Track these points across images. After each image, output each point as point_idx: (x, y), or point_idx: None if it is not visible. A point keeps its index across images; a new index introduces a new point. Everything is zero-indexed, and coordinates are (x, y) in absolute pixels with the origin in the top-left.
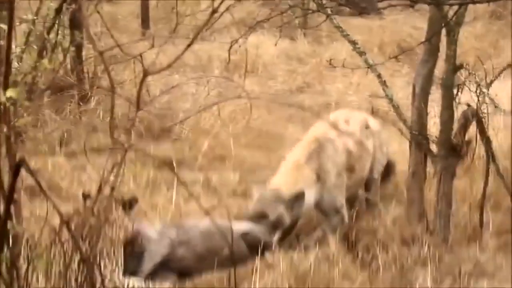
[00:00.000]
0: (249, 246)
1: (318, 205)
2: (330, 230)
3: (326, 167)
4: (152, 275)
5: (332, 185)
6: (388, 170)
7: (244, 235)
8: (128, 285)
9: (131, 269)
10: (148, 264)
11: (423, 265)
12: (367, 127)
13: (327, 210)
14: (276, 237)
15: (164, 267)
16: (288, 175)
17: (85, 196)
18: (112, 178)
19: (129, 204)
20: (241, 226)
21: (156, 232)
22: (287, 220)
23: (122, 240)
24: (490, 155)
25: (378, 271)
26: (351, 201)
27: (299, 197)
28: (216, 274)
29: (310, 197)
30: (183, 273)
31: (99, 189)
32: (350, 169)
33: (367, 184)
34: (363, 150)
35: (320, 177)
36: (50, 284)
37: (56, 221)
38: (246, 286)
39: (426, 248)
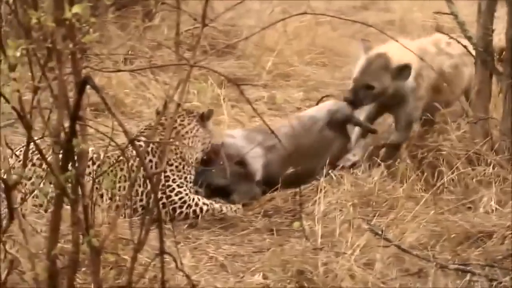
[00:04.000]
0: (338, 123)
1: (396, 110)
2: (398, 139)
3: (423, 73)
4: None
5: (417, 96)
6: None
7: (332, 113)
8: (193, 200)
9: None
10: (256, 164)
11: (487, 185)
12: (469, 54)
13: (401, 119)
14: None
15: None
16: (396, 48)
17: (159, 113)
18: (177, 95)
19: (206, 116)
20: (326, 106)
21: (244, 140)
22: (390, 90)
23: (205, 154)
24: None
25: (443, 191)
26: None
27: (406, 68)
28: (281, 193)
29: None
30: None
31: (165, 106)
32: (436, 89)
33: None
34: (456, 74)
35: (417, 80)
36: (115, 202)
37: (121, 138)
38: (310, 205)
39: (491, 168)
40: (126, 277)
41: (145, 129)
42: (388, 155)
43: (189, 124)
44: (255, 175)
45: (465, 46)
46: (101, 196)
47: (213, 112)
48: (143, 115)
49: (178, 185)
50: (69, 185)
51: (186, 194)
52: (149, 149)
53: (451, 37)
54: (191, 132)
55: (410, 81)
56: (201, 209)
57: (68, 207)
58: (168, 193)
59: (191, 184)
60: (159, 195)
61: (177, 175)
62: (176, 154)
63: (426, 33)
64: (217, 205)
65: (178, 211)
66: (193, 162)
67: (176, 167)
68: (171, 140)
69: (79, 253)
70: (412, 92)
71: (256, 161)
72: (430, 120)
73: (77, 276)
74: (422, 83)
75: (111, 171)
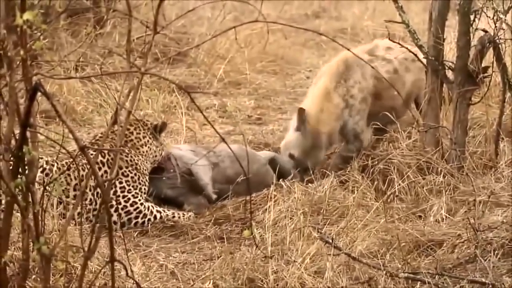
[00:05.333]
0: (275, 172)
1: (344, 129)
2: (347, 154)
3: (352, 92)
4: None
5: (356, 110)
6: None
7: (271, 160)
8: (149, 208)
9: (165, 192)
10: (205, 177)
11: (438, 194)
12: (413, 60)
13: (348, 134)
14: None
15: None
16: (318, 103)
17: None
18: (128, 102)
19: (159, 128)
20: (267, 154)
21: (191, 152)
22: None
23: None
24: (507, 82)
25: (394, 200)
26: (378, 128)
27: (331, 137)
28: (231, 201)
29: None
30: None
31: (116, 113)
32: (376, 95)
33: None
34: (396, 80)
35: (347, 103)
36: (65, 209)
37: (72, 145)
38: (261, 213)
39: (441, 177)
40: (76, 284)
41: (99, 137)
42: (336, 166)
43: (144, 137)
44: (204, 187)
45: (414, 54)
46: (51, 203)
47: (166, 125)
48: (94, 122)
49: (133, 195)
50: (20, 192)
51: (141, 204)
52: (105, 160)
53: (398, 44)
54: (146, 145)
55: (341, 105)
56: (155, 216)
57: (19, 214)
58: (123, 204)
59: (145, 195)
60: (114, 204)
61: (133, 186)
62: (132, 165)
63: None
64: (169, 212)
65: (134, 221)
66: (146, 174)
67: (132, 177)
68: (123, 148)
69: (29, 260)
70: (348, 115)
71: (205, 173)
72: (381, 129)
73: (27, 283)
74: (353, 101)
75: (61, 179)
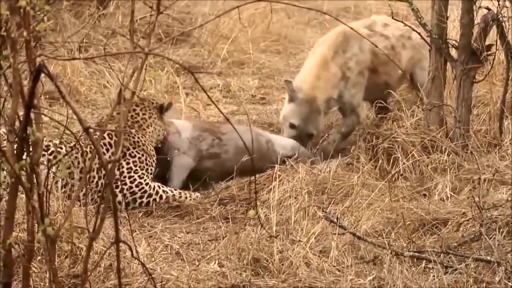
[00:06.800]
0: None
1: (340, 101)
2: (346, 129)
3: (350, 64)
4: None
5: (352, 83)
6: None
7: (294, 149)
8: (154, 188)
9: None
10: (176, 180)
11: (442, 172)
12: (409, 38)
13: (344, 107)
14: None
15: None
16: (315, 71)
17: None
18: (132, 83)
19: (165, 109)
20: (290, 143)
21: (186, 143)
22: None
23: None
24: (510, 60)
25: (398, 179)
26: (374, 102)
27: (329, 102)
28: (236, 181)
29: (335, 101)
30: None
31: (119, 94)
32: (373, 70)
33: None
34: (393, 56)
35: (344, 75)
36: (71, 191)
37: (76, 126)
38: (265, 193)
39: (445, 155)
40: (82, 265)
41: (104, 119)
42: (335, 143)
43: (149, 117)
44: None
45: (417, 32)
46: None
47: (172, 105)
48: (98, 103)
49: (139, 176)
50: (24, 173)
51: (147, 184)
52: (113, 141)
53: (398, 21)
54: (151, 125)
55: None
56: (161, 196)
57: (23, 195)
58: (129, 184)
59: (151, 176)
60: (120, 185)
61: (139, 166)
62: (139, 146)
63: None
64: (176, 192)
65: (138, 201)
66: (154, 155)
67: (139, 158)
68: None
69: (35, 242)
70: (344, 87)
71: (178, 175)
72: (385, 107)
73: (33, 264)
74: (350, 74)
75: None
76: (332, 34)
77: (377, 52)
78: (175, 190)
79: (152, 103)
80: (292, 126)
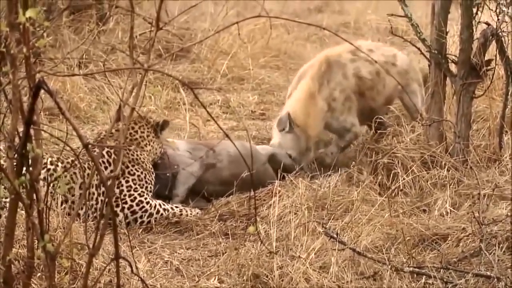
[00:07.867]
0: (275, 168)
1: (329, 128)
2: (343, 143)
3: (335, 95)
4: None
5: (339, 112)
6: None
7: (271, 157)
8: (155, 207)
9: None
10: (181, 187)
11: (442, 188)
12: (393, 64)
13: (338, 132)
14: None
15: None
16: (305, 107)
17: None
18: (132, 99)
19: (161, 126)
20: (267, 150)
21: (187, 153)
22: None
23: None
24: (510, 75)
25: (398, 194)
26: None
27: (318, 144)
28: (236, 197)
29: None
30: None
31: (119, 110)
32: (360, 93)
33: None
34: (378, 81)
35: (330, 106)
36: (70, 208)
37: (76, 143)
38: (265, 209)
39: (445, 171)
40: (82, 282)
41: (104, 135)
42: (333, 155)
43: (147, 136)
44: (173, 195)
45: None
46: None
47: (169, 123)
48: (98, 119)
49: (139, 194)
50: (24, 190)
51: (147, 203)
52: (111, 159)
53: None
54: (149, 144)
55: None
56: (161, 215)
57: (23, 212)
58: (130, 203)
59: (151, 193)
60: (120, 204)
61: (139, 184)
62: (138, 164)
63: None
64: (177, 210)
65: (139, 220)
66: (153, 172)
67: (138, 176)
68: (126, 145)
69: (34, 258)
70: (331, 117)
71: (184, 183)
72: (384, 122)
73: (33, 281)
74: (335, 104)
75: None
76: (315, 62)
77: (362, 76)
78: (176, 207)
79: (149, 122)
80: (289, 156)
